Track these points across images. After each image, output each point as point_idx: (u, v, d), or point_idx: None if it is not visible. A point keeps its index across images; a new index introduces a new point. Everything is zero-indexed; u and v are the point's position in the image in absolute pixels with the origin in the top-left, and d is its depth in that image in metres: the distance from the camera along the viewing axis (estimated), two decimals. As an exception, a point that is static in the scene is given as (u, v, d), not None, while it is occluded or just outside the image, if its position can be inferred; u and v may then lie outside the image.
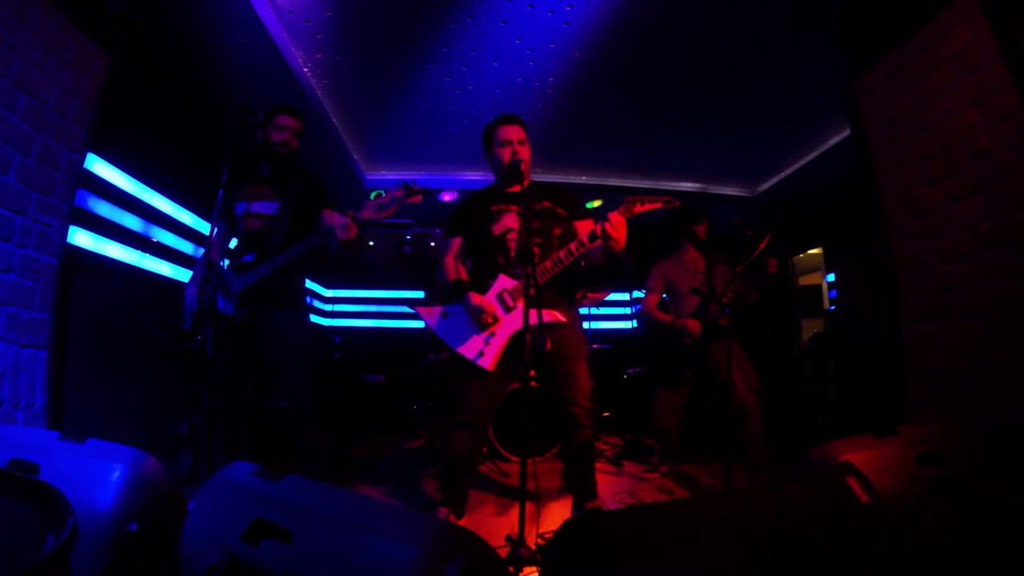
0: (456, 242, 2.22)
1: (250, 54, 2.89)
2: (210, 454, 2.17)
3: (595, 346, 4.05)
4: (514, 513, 2.07)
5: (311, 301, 5.61)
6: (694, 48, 3.01)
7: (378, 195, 1.96)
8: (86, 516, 1.04)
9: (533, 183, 2.17)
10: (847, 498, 1.06)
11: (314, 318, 5.66)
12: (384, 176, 4.86)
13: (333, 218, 1.99)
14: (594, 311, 4.43)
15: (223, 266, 2.23)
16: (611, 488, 2.80)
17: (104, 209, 2.58)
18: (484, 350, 1.99)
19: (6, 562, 0.74)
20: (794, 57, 3.02)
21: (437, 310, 2.11)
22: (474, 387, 2.04)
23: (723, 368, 2.56)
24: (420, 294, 5.94)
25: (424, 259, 5.80)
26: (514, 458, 3.25)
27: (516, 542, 1.64)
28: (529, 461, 1.71)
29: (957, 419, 1.95)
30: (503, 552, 1.62)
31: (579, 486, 2.12)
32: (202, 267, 2.17)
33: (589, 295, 3.83)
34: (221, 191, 2.01)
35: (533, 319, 1.70)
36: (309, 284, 5.54)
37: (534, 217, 2.06)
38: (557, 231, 2.11)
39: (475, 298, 2.00)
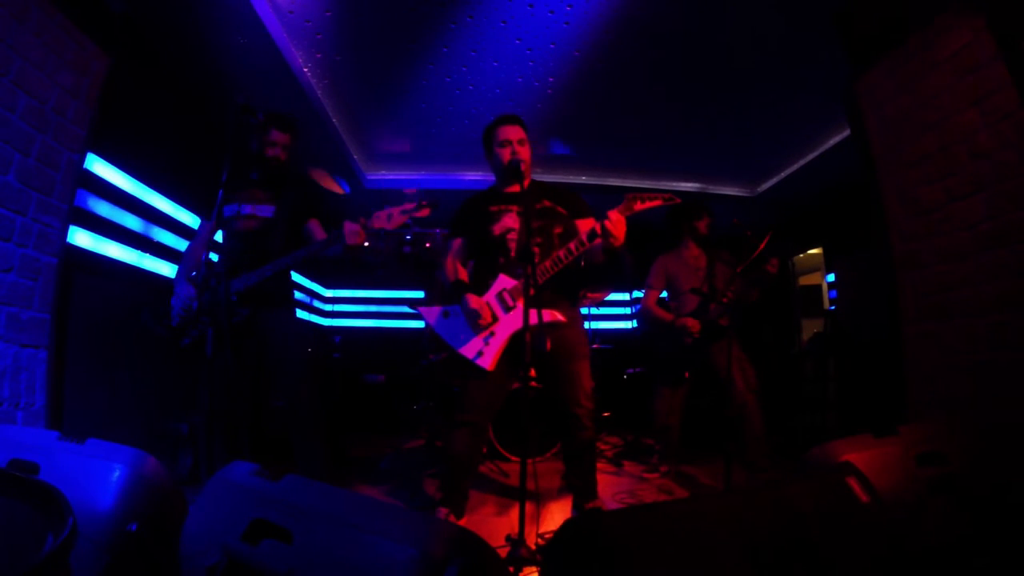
0: (457, 243, 2.22)
1: (250, 54, 2.89)
2: (210, 454, 2.18)
3: (595, 346, 4.05)
4: (514, 513, 2.07)
5: (311, 301, 5.61)
6: (694, 48, 3.01)
7: (389, 208, 2.03)
8: (86, 516, 1.04)
9: (533, 182, 2.17)
10: (847, 498, 1.06)
11: (314, 318, 5.66)
12: (384, 176, 4.86)
13: (344, 227, 2.03)
14: (594, 311, 4.43)
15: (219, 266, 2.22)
16: (611, 488, 2.80)
17: (104, 209, 2.58)
18: (484, 350, 1.99)
19: (6, 562, 0.74)
20: (794, 57, 3.02)
21: (438, 310, 2.11)
22: (474, 387, 2.04)
23: (723, 368, 2.56)
24: (420, 294, 5.94)
25: (424, 259, 5.80)
26: (514, 458, 3.25)
27: (516, 542, 1.64)
28: (529, 461, 1.71)
29: (957, 419, 1.94)
30: (503, 552, 1.62)
31: (579, 486, 2.12)
32: (191, 265, 2.27)
33: (589, 295, 3.83)
34: (221, 191, 2.02)
35: (533, 319, 1.70)
36: (309, 284, 5.54)
37: (534, 217, 2.06)
38: (558, 230, 2.11)
39: (472, 300, 2.00)
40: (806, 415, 4.30)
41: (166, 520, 1.18)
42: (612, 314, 5.95)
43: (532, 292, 1.75)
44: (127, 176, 2.73)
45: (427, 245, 5.61)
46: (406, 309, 5.97)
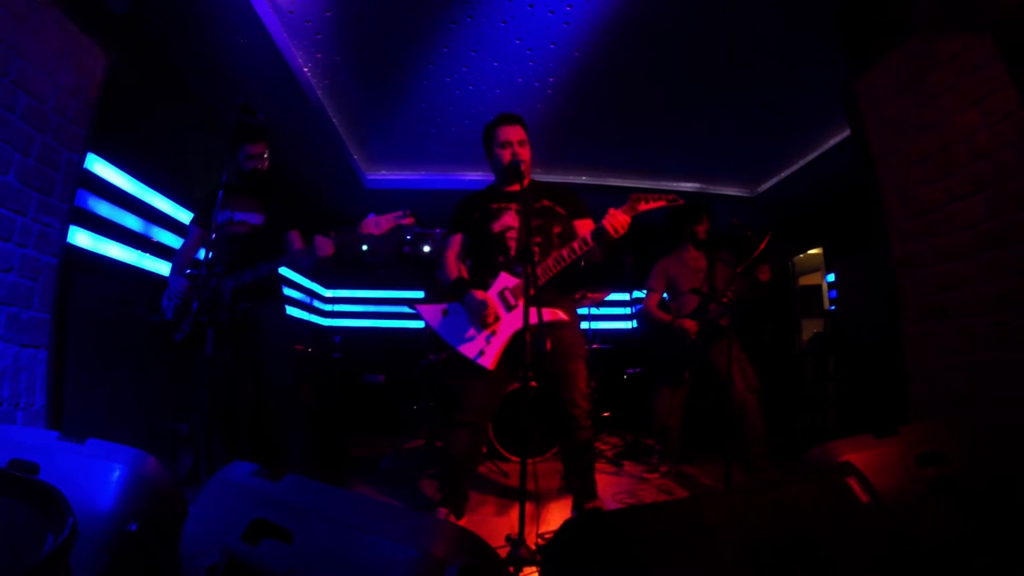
0: (457, 240, 2.22)
1: (250, 54, 2.89)
2: (210, 454, 2.20)
3: (595, 346, 4.05)
4: (514, 513, 2.07)
5: (311, 301, 5.61)
6: (694, 48, 3.01)
7: (376, 217, 2.21)
8: (86, 516, 1.04)
9: (533, 182, 2.17)
10: (847, 498, 1.06)
11: (314, 318, 5.67)
12: (384, 176, 4.86)
13: (315, 240, 2.21)
14: (594, 311, 4.43)
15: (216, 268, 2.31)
16: (611, 488, 2.80)
17: (104, 209, 2.58)
18: (485, 349, 1.98)
19: (6, 562, 0.74)
20: (794, 57, 3.02)
21: (438, 308, 2.11)
22: (474, 387, 2.04)
23: (723, 368, 2.56)
24: (420, 294, 5.94)
25: (424, 259, 5.80)
26: (514, 458, 3.25)
27: (516, 542, 1.63)
28: (529, 461, 1.71)
29: (957, 419, 1.94)
30: (503, 552, 1.62)
31: (579, 486, 2.12)
32: (183, 262, 2.46)
33: (589, 295, 3.83)
34: (221, 191, 2.04)
35: (534, 318, 1.70)
36: (309, 284, 5.54)
37: (534, 215, 2.06)
38: (556, 229, 2.11)
39: (478, 295, 2.00)
40: (806, 415, 4.30)
41: (166, 520, 1.18)
42: (612, 314, 5.95)
43: (533, 292, 1.75)
44: (127, 176, 2.73)
45: (429, 245, 5.62)
46: (406, 309, 5.97)
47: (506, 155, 2.09)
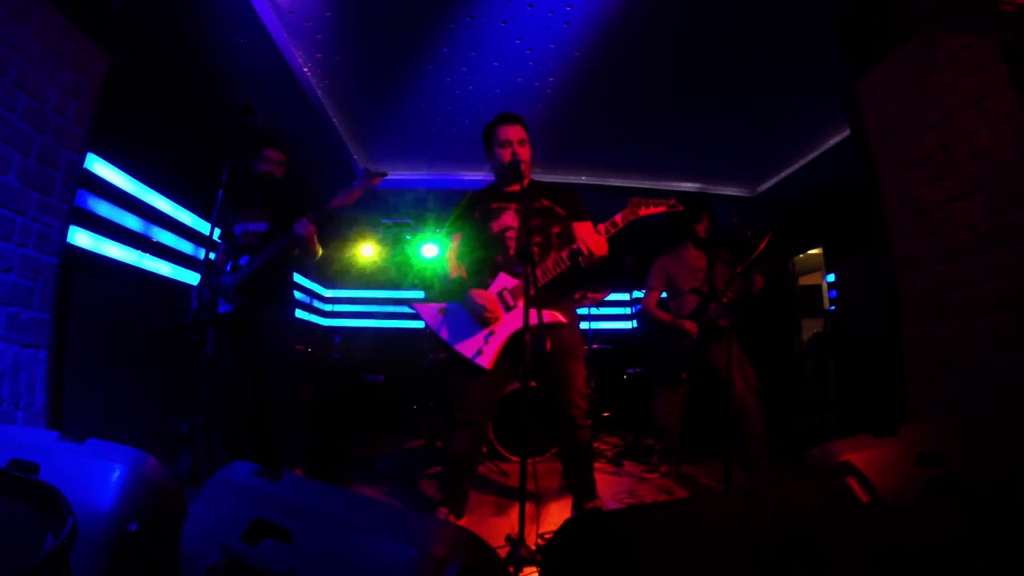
0: (456, 239, 2.22)
1: (250, 54, 2.89)
2: (210, 454, 2.22)
3: (595, 346, 4.05)
4: (514, 513, 2.07)
5: (311, 301, 5.61)
6: (694, 48, 3.01)
7: (345, 189, 2.27)
8: (86, 516, 1.04)
9: (533, 182, 2.17)
10: (847, 498, 1.06)
11: (314, 318, 5.66)
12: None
13: (293, 226, 2.32)
14: (594, 311, 4.43)
15: (226, 270, 2.50)
16: (611, 488, 2.80)
17: (104, 209, 2.58)
18: (483, 348, 1.98)
19: (6, 562, 0.74)
20: (794, 57, 3.02)
21: (436, 307, 2.11)
22: (473, 386, 2.04)
23: (723, 368, 2.56)
24: (420, 294, 5.94)
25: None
26: (514, 458, 3.25)
27: (516, 542, 1.63)
28: (529, 461, 1.71)
29: (957, 419, 1.94)
30: (503, 552, 1.62)
31: (579, 486, 2.12)
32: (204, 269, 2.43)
33: (589, 295, 3.83)
34: (221, 191, 2.04)
35: (533, 319, 1.70)
36: (309, 284, 5.54)
37: (533, 215, 2.06)
38: (556, 230, 2.10)
39: (478, 295, 2.00)
40: (806, 415, 4.30)
41: (166, 520, 1.18)
42: (612, 314, 5.95)
43: (532, 292, 1.75)
44: (127, 176, 2.73)
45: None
46: (406, 309, 5.98)
47: (506, 154, 2.09)
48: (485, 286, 2.05)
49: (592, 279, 3.74)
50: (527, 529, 1.67)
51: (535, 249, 1.94)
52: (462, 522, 2.07)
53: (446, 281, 2.16)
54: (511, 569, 1.57)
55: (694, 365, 2.83)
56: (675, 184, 4.89)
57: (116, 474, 1.15)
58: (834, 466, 1.17)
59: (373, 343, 5.85)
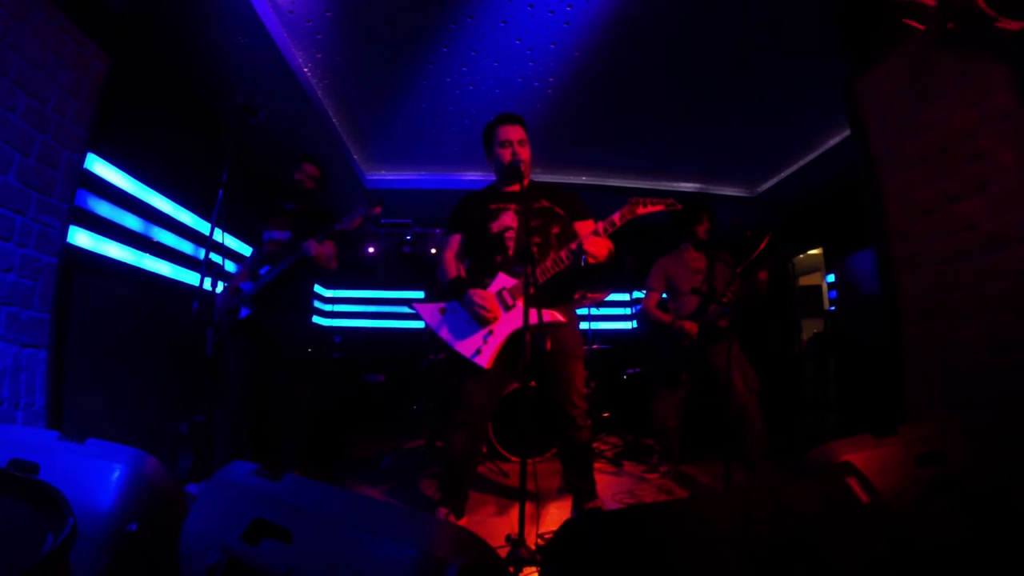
0: (456, 239, 2.22)
1: (250, 54, 2.89)
2: (210, 454, 2.23)
3: (595, 346, 4.05)
4: (514, 513, 2.07)
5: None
6: (694, 48, 3.01)
7: (347, 217, 2.41)
8: (86, 516, 1.05)
9: (533, 183, 2.17)
10: (847, 498, 1.06)
11: (314, 318, 5.67)
12: (384, 176, 4.86)
13: (311, 246, 2.46)
14: (594, 311, 4.43)
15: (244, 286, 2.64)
16: (611, 488, 2.80)
17: (104, 209, 2.58)
18: (482, 348, 1.98)
19: (6, 562, 0.74)
20: (794, 57, 3.02)
21: (435, 307, 2.11)
22: (472, 386, 2.04)
23: (723, 369, 2.56)
24: (420, 294, 5.94)
25: (424, 259, 5.81)
26: (514, 458, 3.25)
27: (516, 542, 1.63)
28: (529, 461, 1.71)
29: (957, 419, 1.94)
30: (503, 552, 1.62)
31: (578, 486, 2.12)
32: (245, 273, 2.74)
33: (589, 295, 3.83)
34: (221, 191, 2.05)
35: (533, 319, 1.70)
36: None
37: (532, 216, 2.06)
38: (555, 230, 2.11)
39: (476, 293, 2.00)
40: (806, 415, 4.30)
41: (166, 520, 1.18)
42: (612, 314, 5.95)
43: (532, 292, 1.75)
44: (127, 176, 2.73)
45: (433, 251, 5.63)
46: (406, 309, 5.98)
47: (506, 154, 2.09)
48: (484, 286, 2.05)
49: (592, 279, 3.75)
50: (527, 529, 1.67)
51: (534, 249, 1.94)
52: (462, 522, 2.07)
53: (446, 281, 2.16)
54: (511, 569, 1.57)
55: (691, 367, 2.83)
56: (675, 184, 4.89)
57: (116, 474, 1.15)
58: (834, 466, 1.17)
59: (373, 343, 5.85)
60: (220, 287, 2.62)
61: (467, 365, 2.00)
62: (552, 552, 0.92)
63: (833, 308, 4.99)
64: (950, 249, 2.05)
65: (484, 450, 3.00)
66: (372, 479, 3.05)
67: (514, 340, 1.98)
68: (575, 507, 2.16)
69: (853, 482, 1.08)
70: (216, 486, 1.13)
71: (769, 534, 0.92)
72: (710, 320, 2.76)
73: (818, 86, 3.23)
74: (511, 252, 2.07)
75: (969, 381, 1.96)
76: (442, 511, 2.01)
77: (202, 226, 3.37)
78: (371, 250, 5.89)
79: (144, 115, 2.90)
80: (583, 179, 4.80)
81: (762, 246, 2.57)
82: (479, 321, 2.00)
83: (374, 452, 3.78)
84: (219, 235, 2.45)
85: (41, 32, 2.05)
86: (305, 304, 2.77)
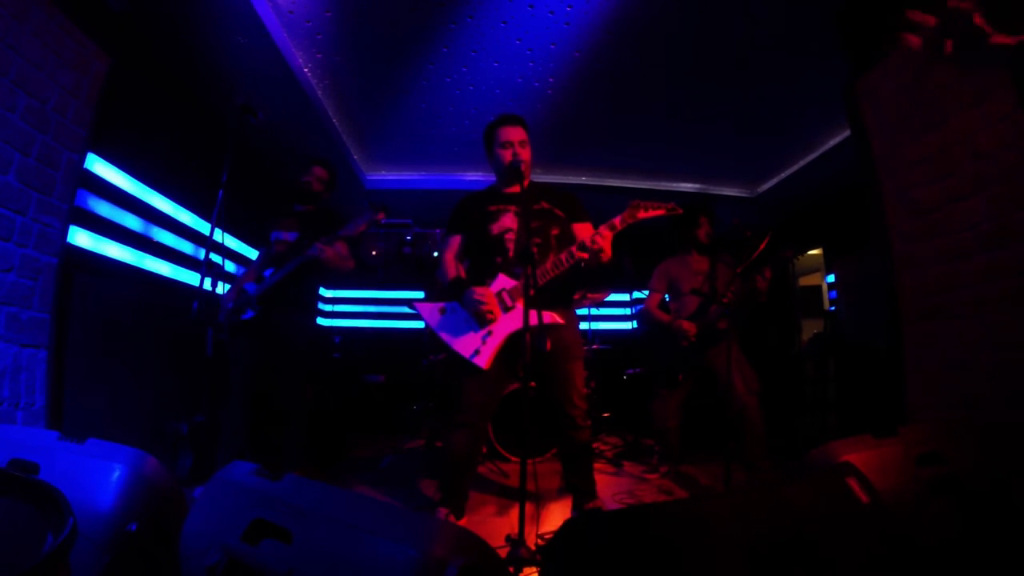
0: (456, 240, 2.22)
1: (250, 54, 2.89)
2: (210, 454, 2.24)
3: (595, 346, 4.05)
4: (514, 513, 2.07)
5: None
6: (694, 48, 3.01)
7: (351, 224, 2.43)
8: (86, 516, 1.04)
9: (532, 184, 2.17)
10: (847, 498, 1.06)
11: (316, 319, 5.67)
12: (384, 176, 4.86)
13: (318, 248, 2.46)
14: (594, 311, 4.43)
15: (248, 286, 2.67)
16: (611, 488, 2.80)
17: (104, 209, 2.58)
18: (481, 348, 1.98)
19: (6, 562, 0.74)
20: (794, 57, 3.02)
21: (435, 306, 2.11)
22: (471, 386, 2.04)
23: (722, 371, 2.56)
24: (420, 294, 5.94)
25: (424, 259, 5.81)
26: (514, 458, 3.25)
27: (516, 542, 1.63)
28: (529, 461, 1.71)
29: (957, 419, 1.94)
30: (503, 552, 1.62)
31: (578, 486, 2.13)
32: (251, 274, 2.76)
33: (589, 295, 3.83)
34: (221, 191, 2.05)
35: (533, 320, 1.70)
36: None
37: (532, 218, 2.06)
38: (555, 232, 2.11)
39: (477, 291, 1.99)
40: (806, 415, 4.30)
41: (166, 520, 1.18)
42: (612, 314, 5.95)
43: (532, 293, 1.75)
44: (127, 176, 2.73)
45: (430, 245, 5.63)
46: (406, 309, 5.97)
47: (507, 155, 2.09)
48: (485, 287, 2.05)
49: (592, 280, 3.75)
50: (527, 529, 1.67)
51: (534, 251, 1.94)
52: (462, 522, 2.07)
53: (445, 281, 2.16)
54: (511, 569, 1.57)
55: (688, 368, 2.83)
56: (675, 184, 4.89)
57: (116, 474, 1.14)
58: (834, 466, 1.17)
59: (373, 343, 5.85)
60: (226, 287, 2.64)
61: (466, 365, 2.00)
62: (552, 552, 0.92)
63: (833, 308, 4.99)
64: (950, 249, 2.05)
65: (484, 450, 3.00)
66: (372, 479, 3.05)
67: (513, 341, 1.99)
68: (575, 507, 2.16)
69: (853, 482, 1.08)
70: (216, 486, 1.13)
71: (769, 534, 0.92)
72: (710, 321, 2.76)
73: (818, 86, 3.23)
74: (511, 254, 2.07)
75: (969, 381, 1.96)
76: (442, 511, 2.01)
77: (202, 226, 3.37)
78: (373, 253, 5.89)
79: (144, 115, 2.91)
80: (583, 179, 4.80)
81: (762, 246, 2.57)
82: (479, 321, 2.00)
83: (374, 452, 3.78)
84: (219, 235, 2.46)
85: (41, 32, 2.05)
86: (310, 305, 2.80)
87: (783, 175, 4.61)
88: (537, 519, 2.15)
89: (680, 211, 2.00)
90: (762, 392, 2.74)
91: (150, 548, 1.12)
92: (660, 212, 1.97)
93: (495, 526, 2.20)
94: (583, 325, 4.01)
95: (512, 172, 2.07)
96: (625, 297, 5.61)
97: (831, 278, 5.17)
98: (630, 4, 2.65)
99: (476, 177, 4.68)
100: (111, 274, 2.63)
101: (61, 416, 2.24)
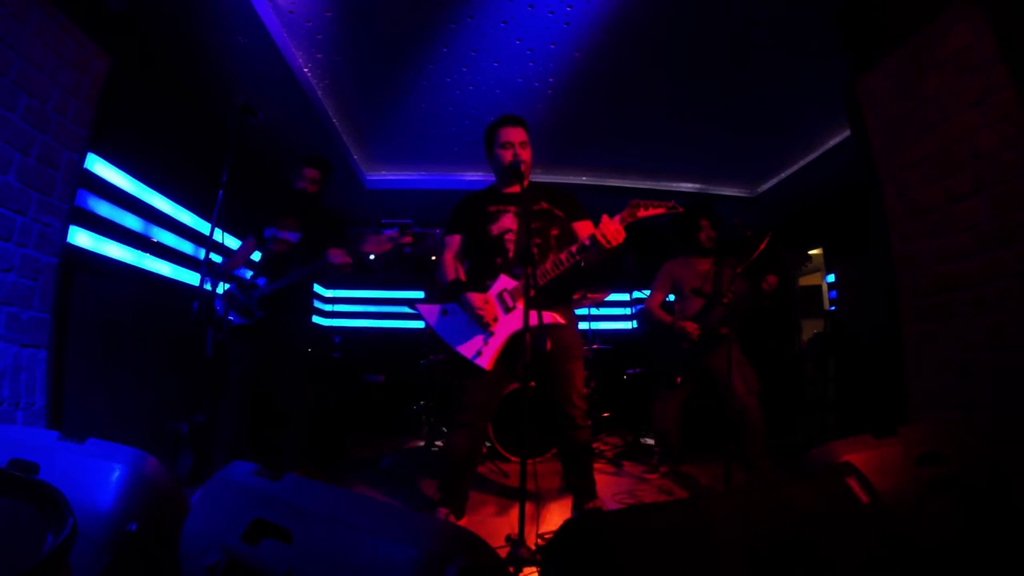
0: (455, 240, 2.22)
1: (250, 54, 2.89)
2: (210, 454, 2.24)
3: (595, 346, 4.05)
4: (514, 513, 2.07)
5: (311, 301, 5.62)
6: (694, 48, 3.01)
7: (378, 234, 2.45)
8: (86, 516, 1.04)
9: (532, 184, 2.17)
10: (847, 498, 1.06)
11: (314, 318, 5.67)
12: (384, 176, 4.86)
13: (336, 254, 2.50)
14: (594, 311, 4.43)
15: (245, 277, 2.67)
16: (611, 488, 2.80)
17: (104, 209, 2.58)
18: (482, 349, 1.99)
19: (6, 562, 0.74)
20: (794, 57, 3.02)
21: (437, 308, 2.11)
22: (472, 387, 2.04)
23: (723, 372, 2.56)
24: (420, 294, 5.94)
25: (424, 259, 5.80)
26: (514, 458, 3.25)
27: (516, 542, 1.63)
28: (529, 461, 1.71)
29: (957, 419, 1.94)
30: (503, 552, 1.62)
31: (578, 486, 2.13)
32: (221, 272, 2.71)
33: (589, 295, 3.83)
34: (221, 191, 2.05)
35: (533, 320, 1.70)
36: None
37: (532, 218, 2.06)
38: (554, 232, 2.11)
39: (476, 298, 2.00)
40: (806, 415, 4.30)
41: (166, 520, 1.18)
42: (612, 314, 5.95)
43: (532, 294, 1.75)
44: (127, 176, 2.73)
45: (431, 245, 5.63)
46: (406, 309, 5.97)
47: (507, 155, 2.09)
48: (485, 288, 2.06)
49: (592, 280, 3.75)
50: (527, 529, 1.67)
51: (534, 251, 1.94)
52: (462, 522, 2.07)
53: (445, 282, 2.16)
54: (511, 569, 1.57)
55: (687, 370, 2.83)
56: (675, 184, 4.89)
57: (116, 474, 1.14)
58: (834, 466, 1.17)
59: (373, 343, 5.85)
60: (226, 287, 2.64)
61: (468, 366, 2.00)
62: (552, 552, 0.92)
63: (833, 308, 5.00)
64: (950, 249, 2.05)
65: (484, 450, 3.00)
66: (372, 479, 3.05)
67: (514, 341, 1.99)
68: (575, 507, 2.16)
69: (853, 482, 1.08)
70: (216, 486, 1.13)
71: (769, 534, 0.92)
72: (712, 324, 2.75)
73: (818, 86, 3.23)
74: (511, 254, 2.07)
75: (969, 381, 1.96)
76: (442, 511, 2.01)
77: (202, 226, 3.37)
78: (371, 257, 5.89)
79: (144, 115, 2.90)
80: (583, 179, 4.80)
81: (762, 246, 2.56)
82: (477, 323, 2.00)
83: (374, 452, 3.78)
84: (219, 235, 2.46)
85: (41, 32, 2.05)
86: (308, 306, 2.82)
87: (783, 175, 4.61)
88: (537, 519, 2.15)
89: (680, 209, 2.00)
90: (762, 392, 2.74)
91: (150, 548, 1.12)
92: (660, 211, 1.97)
93: (495, 526, 2.20)
94: (583, 325, 4.01)
95: (512, 172, 2.07)
96: (625, 297, 5.61)
97: (831, 278, 5.17)
98: (630, 4, 2.65)
99: (476, 177, 4.68)
100: (111, 274, 2.63)
101: (61, 416, 2.24)
